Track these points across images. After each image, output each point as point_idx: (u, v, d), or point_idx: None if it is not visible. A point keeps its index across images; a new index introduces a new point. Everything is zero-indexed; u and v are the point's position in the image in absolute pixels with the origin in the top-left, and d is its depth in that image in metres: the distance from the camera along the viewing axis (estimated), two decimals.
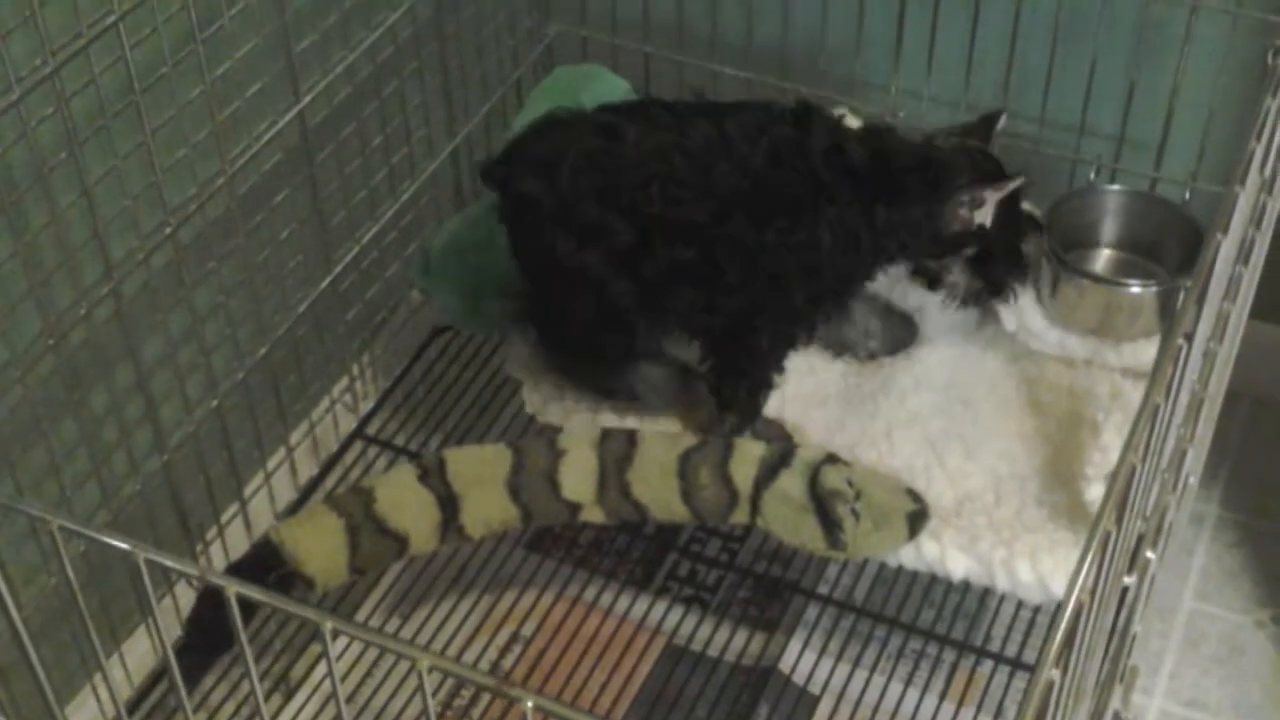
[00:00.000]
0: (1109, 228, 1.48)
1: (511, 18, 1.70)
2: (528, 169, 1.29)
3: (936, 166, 1.28)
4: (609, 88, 1.54)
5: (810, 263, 1.26)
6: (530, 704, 0.65)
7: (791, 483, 1.24)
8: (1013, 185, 1.29)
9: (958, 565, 1.25)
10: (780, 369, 1.33)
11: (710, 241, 1.25)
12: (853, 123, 1.42)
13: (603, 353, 1.34)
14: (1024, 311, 1.40)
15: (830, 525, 1.22)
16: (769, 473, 1.25)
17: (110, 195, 1.24)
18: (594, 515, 1.29)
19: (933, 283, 1.36)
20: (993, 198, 1.28)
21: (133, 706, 1.33)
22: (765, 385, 1.33)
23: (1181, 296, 0.82)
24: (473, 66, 1.66)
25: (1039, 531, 1.26)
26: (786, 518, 1.24)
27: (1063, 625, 0.66)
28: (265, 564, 1.24)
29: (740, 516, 1.26)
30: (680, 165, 1.25)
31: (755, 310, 1.28)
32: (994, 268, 1.34)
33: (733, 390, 1.32)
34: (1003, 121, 1.35)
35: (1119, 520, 0.73)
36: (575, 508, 1.28)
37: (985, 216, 1.29)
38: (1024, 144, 1.56)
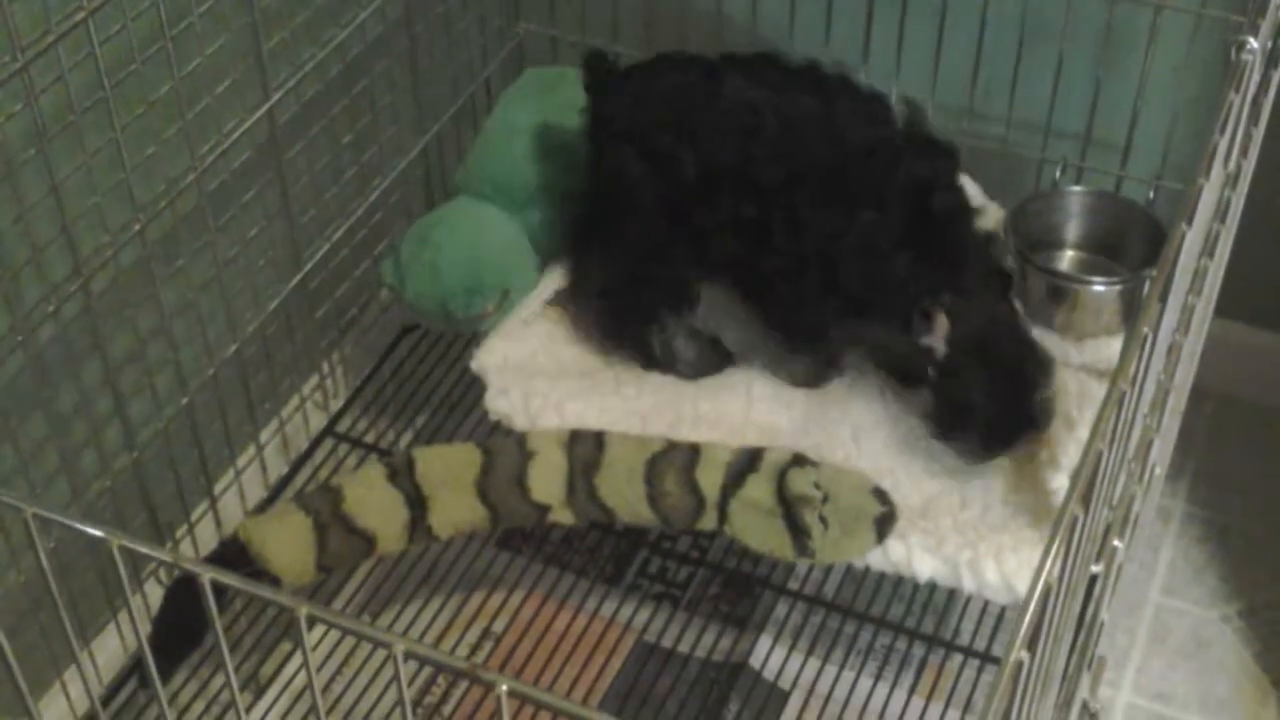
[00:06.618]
0: (1072, 229, 1.49)
1: (481, 17, 1.70)
2: (620, 90, 1.35)
3: (1003, 280, 1.31)
4: (579, 90, 1.54)
5: (843, 263, 1.27)
6: (504, 688, 0.65)
7: (758, 488, 1.23)
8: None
9: (924, 567, 1.25)
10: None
11: (767, 204, 1.27)
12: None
13: (646, 288, 1.36)
14: None
15: (798, 533, 1.22)
16: (736, 478, 1.24)
17: (79, 192, 1.24)
18: (563, 516, 1.29)
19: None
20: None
21: (101, 705, 1.33)
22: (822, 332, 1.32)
23: (1146, 286, 0.83)
24: (442, 65, 1.66)
25: (1004, 531, 1.26)
26: (754, 526, 1.24)
27: (1031, 607, 0.67)
28: (232, 561, 1.24)
29: (707, 523, 1.26)
30: (770, 126, 1.27)
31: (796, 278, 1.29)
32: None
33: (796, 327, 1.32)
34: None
35: (1085, 505, 0.74)
36: (544, 509, 1.28)
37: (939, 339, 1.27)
38: (990, 144, 1.57)
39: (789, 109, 1.29)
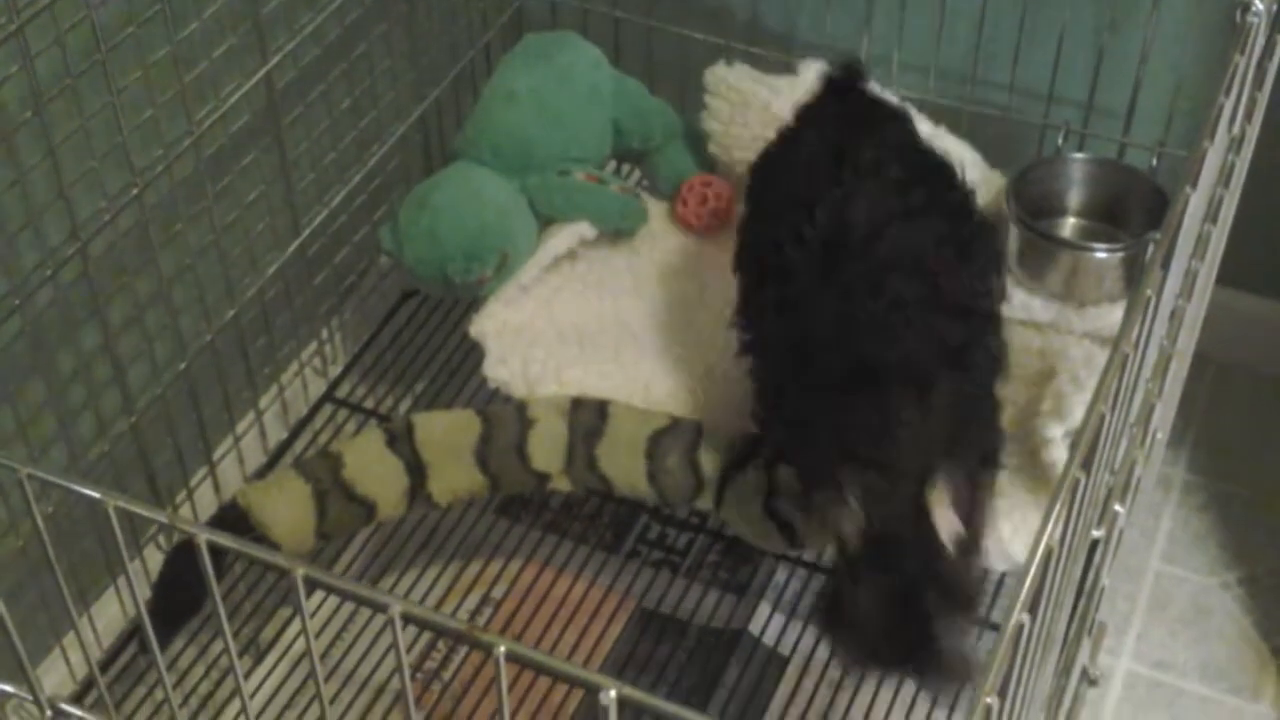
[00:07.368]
0: (1074, 195, 1.49)
1: None
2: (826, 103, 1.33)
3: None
4: (579, 55, 1.53)
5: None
6: (502, 650, 0.65)
7: (755, 478, 1.23)
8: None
9: None
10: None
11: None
12: None
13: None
14: None
15: (782, 525, 1.22)
16: (738, 462, 1.24)
17: (76, 156, 1.23)
18: (562, 484, 1.29)
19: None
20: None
21: (101, 670, 1.33)
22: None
23: (1150, 249, 0.82)
24: (441, 30, 1.65)
25: (998, 497, 1.25)
26: (747, 517, 1.24)
27: (1032, 569, 0.67)
28: (232, 528, 1.24)
29: (704, 502, 1.26)
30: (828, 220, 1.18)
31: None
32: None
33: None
34: None
35: (1087, 469, 0.73)
36: (544, 477, 1.28)
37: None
38: (992, 111, 1.56)
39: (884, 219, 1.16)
